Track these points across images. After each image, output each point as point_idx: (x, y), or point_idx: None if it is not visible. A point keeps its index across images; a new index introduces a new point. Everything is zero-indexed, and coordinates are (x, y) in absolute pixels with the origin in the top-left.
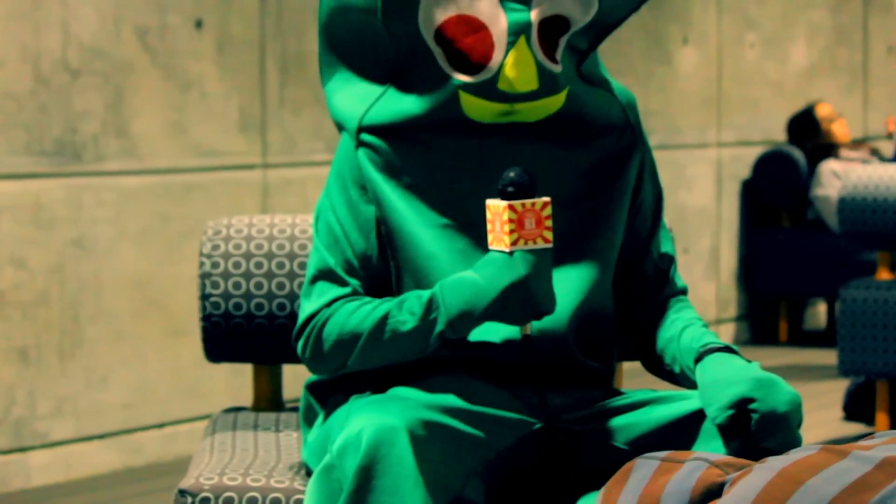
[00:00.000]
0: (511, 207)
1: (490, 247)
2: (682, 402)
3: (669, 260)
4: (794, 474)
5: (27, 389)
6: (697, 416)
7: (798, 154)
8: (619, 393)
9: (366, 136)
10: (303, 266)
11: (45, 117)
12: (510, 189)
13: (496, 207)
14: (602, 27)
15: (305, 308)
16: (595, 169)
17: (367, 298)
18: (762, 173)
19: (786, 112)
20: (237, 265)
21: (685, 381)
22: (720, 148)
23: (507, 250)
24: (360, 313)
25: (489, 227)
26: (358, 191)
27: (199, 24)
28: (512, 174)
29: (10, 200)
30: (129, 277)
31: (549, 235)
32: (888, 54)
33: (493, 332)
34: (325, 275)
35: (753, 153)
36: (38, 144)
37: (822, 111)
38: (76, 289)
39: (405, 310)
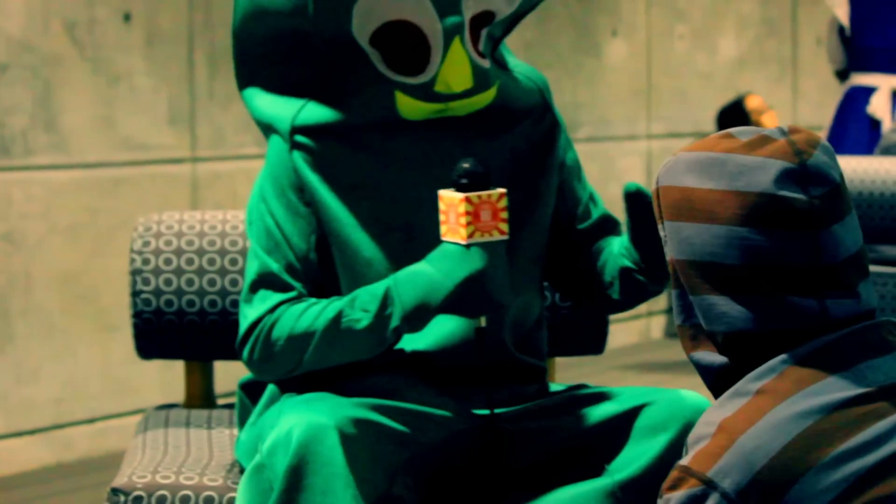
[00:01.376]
0: (468, 200)
1: (443, 238)
2: (617, 400)
3: (602, 220)
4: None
5: None
6: (630, 415)
7: None
8: (550, 390)
9: (300, 138)
10: (233, 262)
11: None
12: (464, 181)
13: (451, 199)
14: (518, 15)
15: (248, 314)
16: (521, 155)
17: (314, 300)
18: None
19: (715, 104)
20: (168, 262)
21: (624, 281)
22: (650, 140)
23: (464, 243)
24: (311, 314)
25: (442, 217)
26: (295, 193)
27: (127, 18)
28: (466, 164)
29: None
30: (59, 272)
31: (504, 227)
32: (817, 46)
33: (440, 328)
34: (267, 280)
35: (683, 144)
36: None
37: (752, 103)
38: (5, 284)
39: (358, 307)
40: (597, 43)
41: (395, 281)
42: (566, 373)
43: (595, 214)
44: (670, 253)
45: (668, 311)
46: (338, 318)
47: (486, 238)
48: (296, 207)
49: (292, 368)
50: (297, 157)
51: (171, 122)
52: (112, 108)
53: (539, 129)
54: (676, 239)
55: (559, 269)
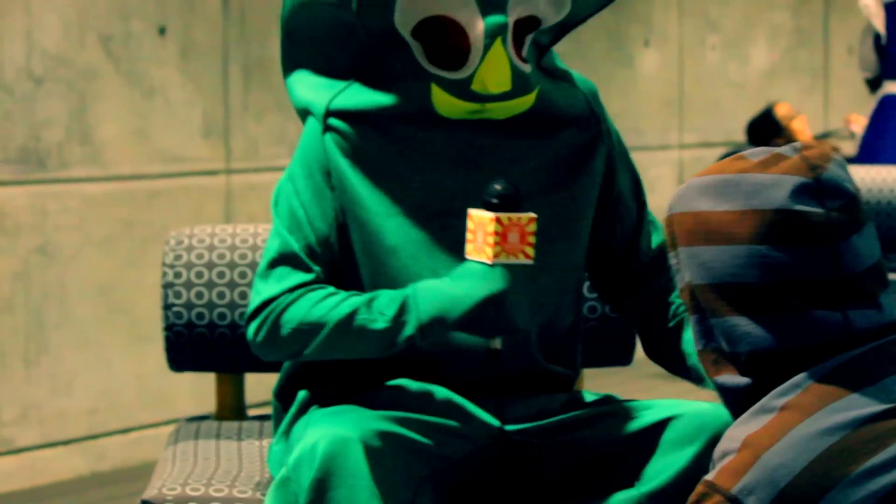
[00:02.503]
0: (498, 220)
1: (468, 256)
2: (644, 413)
3: (661, 247)
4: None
5: None
6: (657, 428)
7: None
8: (580, 399)
9: (333, 121)
10: None
11: (9, 125)
12: (495, 201)
13: (480, 218)
14: (568, 25)
15: (263, 290)
16: (560, 161)
17: (332, 289)
18: None
19: (747, 113)
20: (199, 275)
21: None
22: (682, 150)
23: (489, 262)
24: (327, 304)
25: (469, 236)
26: (323, 176)
27: (162, 31)
28: (498, 186)
29: None
30: (94, 284)
31: (530, 252)
32: (849, 55)
33: (459, 341)
34: (287, 259)
35: (715, 154)
36: (3, 152)
37: (781, 110)
38: (41, 296)
39: (375, 308)
40: (629, 53)
41: (414, 290)
42: (593, 382)
43: (654, 243)
44: (687, 279)
45: None
46: (352, 314)
47: (511, 260)
48: (322, 190)
49: (295, 353)
50: (329, 140)
51: (206, 134)
52: (147, 121)
53: (582, 137)
54: (695, 264)
55: (607, 283)
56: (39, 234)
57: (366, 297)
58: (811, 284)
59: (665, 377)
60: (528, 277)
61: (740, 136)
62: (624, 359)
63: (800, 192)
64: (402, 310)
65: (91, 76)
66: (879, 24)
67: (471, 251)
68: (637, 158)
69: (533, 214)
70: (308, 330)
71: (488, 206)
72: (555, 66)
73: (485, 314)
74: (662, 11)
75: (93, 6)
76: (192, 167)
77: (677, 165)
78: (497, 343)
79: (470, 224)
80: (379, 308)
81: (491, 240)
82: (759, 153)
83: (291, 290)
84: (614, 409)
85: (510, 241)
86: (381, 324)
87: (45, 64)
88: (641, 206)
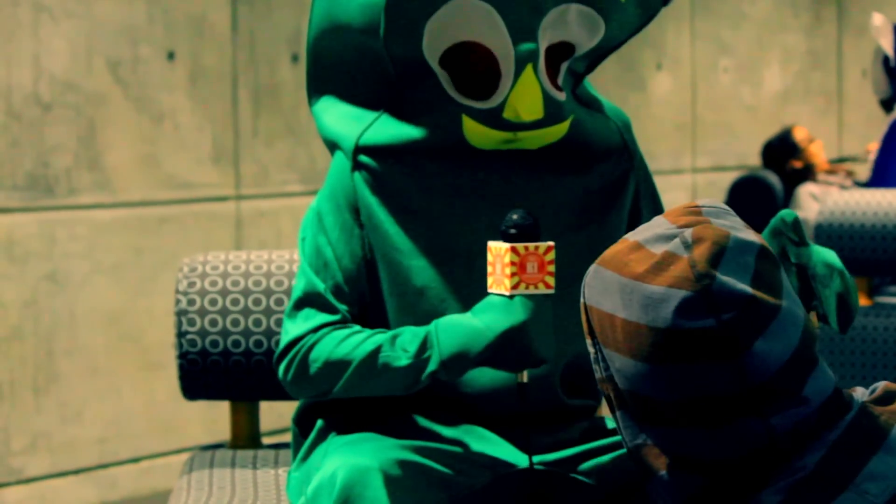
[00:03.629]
0: (514, 250)
1: (489, 290)
2: None
3: None
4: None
5: (1, 425)
6: None
7: (773, 178)
8: (601, 427)
9: (363, 158)
10: (279, 303)
11: (17, 151)
12: (513, 231)
13: (498, 249)
14: (602, 51)
15: (290, 331)
16: (592, 196)
17: (357, 327)
18: (737, 198)
19: (760, 137)
20: (213, 302)
21: None
22: (695, 173)
23: (507, 293)
24: (351, 342)
25: (489, 269)
26: (351, 213)
27: (171, 56)
28: (515, 216)
29: None
30: (103, 312)
31: (551, 281)
32: (862, 78)
33: (483, 376)
34: (313, 299)
35: (728, 178)
36: (11, 179)
37: (800, 134)
38: (50, 323)
39: (398, 345)
40: (642, 76)
41: (436, 326)
42: None
43: None
44: (607, 375)
45: None
46: (376, 352)
47: (531, 290)
48: (350, 228)
49: (324, 392)
50: (358, 177)
51: (215, 160)
52: (156, 147)
53: (614, 172)
54: (613, 368)
55: None
56: (48, 262)
57: (389, 334)
58: (721, 399)
59: None
60: (550, 307)
61: (753, 159)
62: None
63: (687, 309)
64: (424, 346)
65: (99, 102)
66: (888, 45)
67: (491, 284)
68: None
69: (551, 243)
70: (333, 369)
71: (506, 237)
72: (588, 94)
73: (507, 347)
74: (675, 35)
75: (101, 31)
76: (202, 193)
77: (691, 189)
78: (524, 377)
79: (489, 257)
80: (402, 345)
81: (508, 270)
82: (656, 244)
83: (316, 329)
84: None
85: (529, 272)
86: (404, 360)
87: (54, 89)
88: None
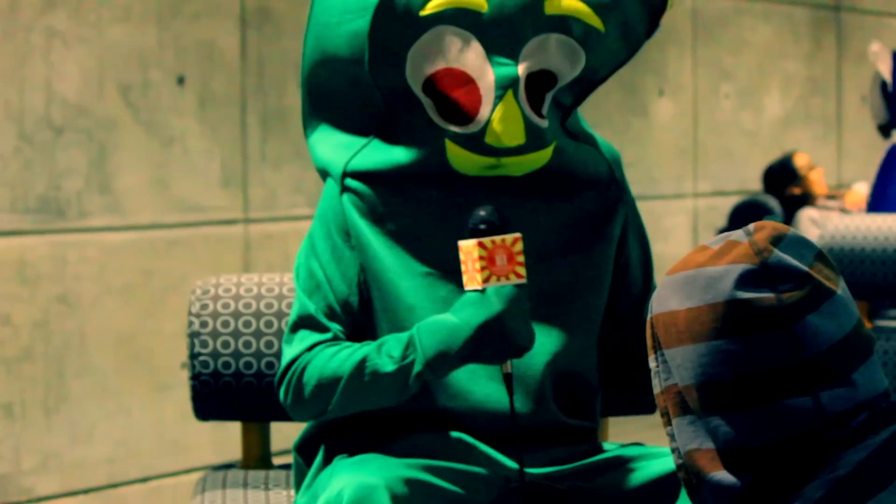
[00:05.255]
0: (481, 245)
1: (465, 288)
2: (667, 459)
3: None
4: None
5: (12, 445)
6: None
7: (774, 203)
8: (602, 449)
9: (351, 182)
10: None
11: (29, 174)
12: (482, 227)
13: (467, 247)
14: (587, 83)
15: (286, 354)
16: (578, 224)
17: (347, 343)
18: (738, 223)
19: (761, 162)
20: (225, 324)
21: None
22: (696, 198)
23: (479, 288)
24: (340, 357)
25: (463, 268)
26: (342, 237)
27: (181, 81)
28: (482, 213)
29: None
30: (114, 333)
31: (521, 271)
32: (861, 104)
33: (477, 391)
34: (306, 321)
35: (729, 203)
36: (22, 202)
37: (801, 160)
38: (61, 344)
39: (384, 353)
40: (643, 102)
41: (417, 328)
42: (614, 429)
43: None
44: (673, 381)
45: None
46: (363, 362)
47: (503, 282)
48: (341, 251)
49: (322, 410)
50: (347, 201)
51: (224, 183)
52: (166, 171)
53: (601, 202)
54: (674, 366)
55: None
56: (59, 284)
57: (376, 343)
58: (775, 372)
59: None
60: (525, 297)
61: (754, 184)
62: (650, 407)
63: (746, 280)
64: (408, 349)
65: (110, 126)
66: (886, 70)
67: (466, 282)
68: (652, 207)
69: (517, 234)
70: (326, 385)
71: (473, 234)
72: (581, 129)
73: (486, 339)
74: (677, 61)
75: (112, 56)
76: (211, 216)
77: (692, 214)
78: (508, 366)
79: (461, 255)
80: (387, 351)
81: (478, 265)
82: (718, 241)
83: (309, 349)
84: (637, 454)
85: (498, 264)
86: (390, 366)
87: (65, 113)
88: (648, 280)
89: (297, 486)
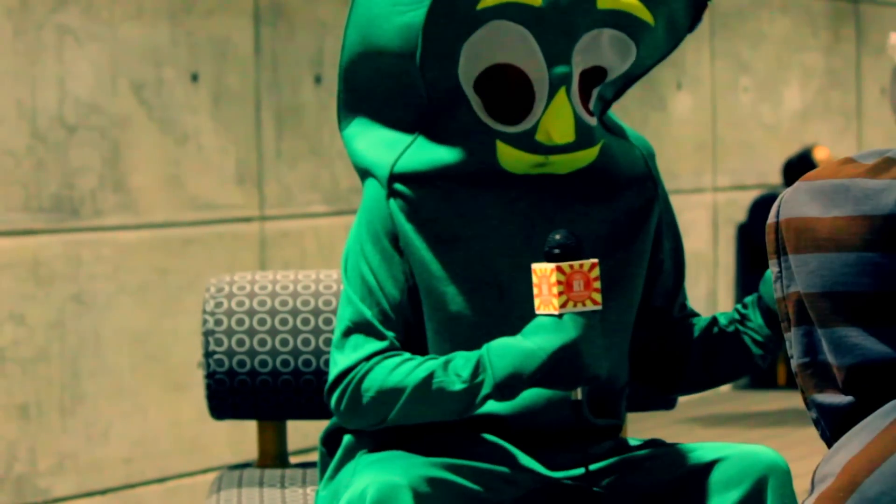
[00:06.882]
0: (559, 269)
1: (537, 311)
2: (690, 456)
3: (688, 311)
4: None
5: (28, 446)
6: (703, 470)
7: None
8: (626, 445)
9: (398, 186)
10: (306, 322)
11: (43, 173)
12: (556, 251)
13: (543, 270)
14: (629, 77)
15: (339, 361)
16: (620, 222)
17: (408, 354)
18: (758, 217)
19: (780, 155)
20: (240, 322)
21: (735, 351)
22: (716, 192)
23: (556, 313)
24: (403, 370)
25: (535, 290)
26: (390, 241)
27: (194, 78)
28: (558, 236)
29: (8, 257)
30: (129, 332)
31: (597, 297)
32: (881, 96)
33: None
34: (361, 327)
35: (749, 196)
36: (36, 201)
37: (820, 154)
38: (76, 344)
39: (451, 370)
40: (662, 96)
41: (487, 350)
42: (633, 425)
43: (682, 310)
44: (795, 288)
45: None
46: (429, 378)
47: (580, 308)
48: (390, 255)
49: (378, 421)
50: (394, 204)
51: (239, 181)
52: (180, 168)
53: (639, 200)
54: (804, 272)
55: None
56: (74, 283)
57: (442, 359)
58: None
59: (704, 421)
60: (598, 323)
61: (774, 177)
62: (668, 403)
63: None
64: (478, 370)
65: (124, 124)
66: None
67: (539, 305)
68: (671, 201)
69: (594, 260)
70: (388, 397)
71: (550, 258)
72: (613, 121)
73: (560, 366)
74: (695, 54)
75: (125, 54)
76: (226, 214)
77: (711, 208)
78: (578, 394)
79: (534, 278)
80: (455, 370)
81: (556, 290)
82: (870, 156)
83: (367, 358)
84: (661, 453)
85: (575, 290)
86: (458, 385)
87: (78, 112)
88: (680, 274)
89: (321, 477)
